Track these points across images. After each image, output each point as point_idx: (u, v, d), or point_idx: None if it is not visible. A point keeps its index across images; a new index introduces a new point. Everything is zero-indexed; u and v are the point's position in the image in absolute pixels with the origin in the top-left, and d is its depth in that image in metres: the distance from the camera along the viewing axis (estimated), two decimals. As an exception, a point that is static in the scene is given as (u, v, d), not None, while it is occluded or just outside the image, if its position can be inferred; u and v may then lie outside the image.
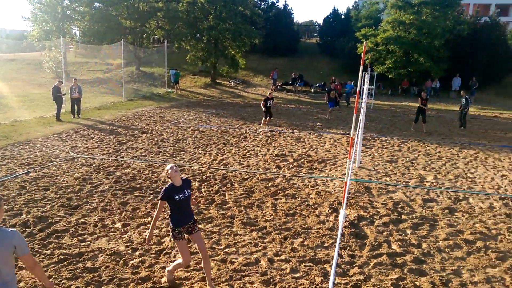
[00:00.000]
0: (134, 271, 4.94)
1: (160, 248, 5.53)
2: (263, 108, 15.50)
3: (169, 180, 4.37)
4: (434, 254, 5.58)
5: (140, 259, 5.23)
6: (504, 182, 9.07)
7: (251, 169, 9.56)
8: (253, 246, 5.63)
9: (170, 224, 4.41)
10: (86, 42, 31.04)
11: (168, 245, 5.61)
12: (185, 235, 4.47)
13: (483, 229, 6.46)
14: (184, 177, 4.53)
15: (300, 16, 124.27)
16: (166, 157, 10.47)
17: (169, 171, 4.33)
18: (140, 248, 5.52)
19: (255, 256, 5.36)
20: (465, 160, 10.96)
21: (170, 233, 4.48)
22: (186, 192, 4.37)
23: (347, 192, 7.86)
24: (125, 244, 5.62)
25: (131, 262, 5.15)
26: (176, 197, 4.28)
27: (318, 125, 15.85)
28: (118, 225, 6.26)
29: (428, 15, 27.40)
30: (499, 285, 4.88)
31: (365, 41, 4.12)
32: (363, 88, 10.76)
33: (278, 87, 29.50)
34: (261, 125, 15.58)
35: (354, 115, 4.87)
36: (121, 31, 30.69)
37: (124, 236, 5.89)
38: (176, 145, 11.93)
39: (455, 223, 6.67)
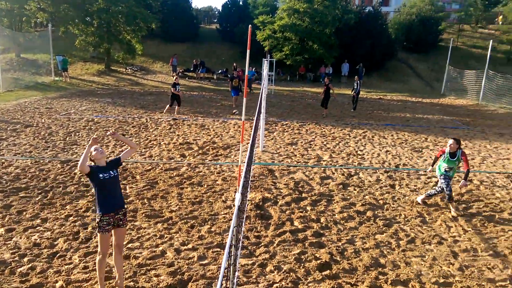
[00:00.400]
0: (24, 279, 4.43)
1: (53, 252, 5.02)
2: (174, 93, 14.78)
3: (93, 162, 4.11)
4: (331, 227, 6.02)
5: (30, 265, 4.70)
6: (388, 157, 10.15)
7: (153, 159, 9.20)
8: (159, 238, 5.45)
9: (98, 211, 4.02)
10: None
11: (62, 247, 5.12)
12: (112, 230, 4.11)
13: (372, 200, 7.17)
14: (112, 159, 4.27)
15: (198, 1, 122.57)
16: (56, 152, 9.51)
17: (93, 153, 4.05)
18: (29, 253, 4.95)
19: (161, 248, 5.19)
20: (355, 139, 12.00)
21: (96, 224, 4.07)
22: (112, 173, 4.07)
23: (252, 176, 8.07)
24: (11, 251, 4.99)
25: (19, 270, 4.59)
26: (101, 175, 3.97)
27: (235, 112, 15.87)
28: (1, 230, 5.52)
29: (320, 4, 29.05)
30: (386, 248, 5.46)
31: (250, 28, 4.13)
32: (262, 74, 11.05)
33: (180, 74, 28.79)
34: (164, 112, 15.05)
35: (244, 99, 4.92)
36: (-6, 14, 26.79)
37: (9, 242, 5.22)
38: (67, 138, 10.91)
39: (348, 197, 7.27)
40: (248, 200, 6.74)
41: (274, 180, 7.98)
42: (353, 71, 29.92)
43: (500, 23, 41.89)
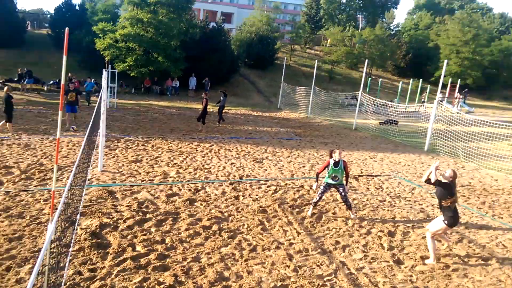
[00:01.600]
0: None
1: None
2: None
3: None
4: (177, 246, 5.87)
5: None
6: (233, 169, 10.57)
7: (-42, 189, 7.49)
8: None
9: None
10: None
11: None
12: None
13: (218, 213, 7.30)
14: None
15: (26, 3, 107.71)
16: None
17: None
18: None
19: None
20: (202, 153, 12.16)
21: None
22: None
23: (88, 201, 7.30)
24: None
25: None
26: None
27: (72, 128, 14.13)
28: None
29: (165, 15, 28.82)
30: (230, 260, 5.59)
31: (67, 31, 3.71)
32: (102, 86, 10.21)
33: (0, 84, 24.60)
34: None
35: (60, 113, 4.45)
36: None
37: None
38: None
39: (195, 212, 7.25)
40: (83, 228, 6.06)
41: (114, 203, 7.39)
42: (201, 85, 30.61)
43: (329, 45, 48.83)
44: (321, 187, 7.61)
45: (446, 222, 5.83)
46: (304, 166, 11.47)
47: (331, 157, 7.54)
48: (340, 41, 46.07)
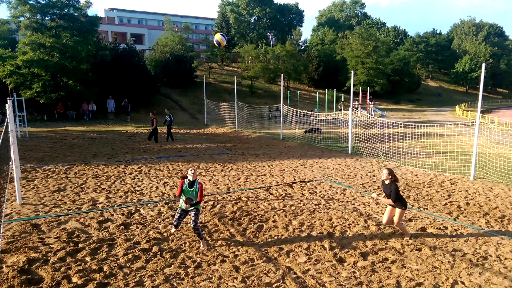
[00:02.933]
0: None
1: None
2: None
3: None
4: (117, 273, 5.54)
5: None
6: (167, 188, 10.28)
7: None
8: None
9: None
10: None
11: None
12: None
13: (157, 234, 7.04)
14: None
15: None
16: None
17: None
18: None
19: None
20: (132, 175, 11.66)
21: None
22: None
23: (10, 237, 6.60)
24: None
25: None
26: None
27: None
28: None
29: (69, 39, 27.33)
30: (176, 280, 5.42)
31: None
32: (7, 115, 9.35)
33: None
34: None
35: None
36: None
37: None
38: None
39: (132, 236, 6.91)
40: (9, 266, 5.45)
41: (41, 236, 6.76)
42: (121, 107, 29.45)
43: (249, 61, 50.21)
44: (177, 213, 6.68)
45: (404, 208, 6.86)
46: (239, 179, 11.57)
47: (184, 177, 6.53)
48: (255, 57, 47.89)
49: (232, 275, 5.60)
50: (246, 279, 5.51)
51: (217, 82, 44.67)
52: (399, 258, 6.32)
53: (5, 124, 11.37)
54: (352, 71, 19.00)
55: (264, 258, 6.19)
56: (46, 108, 27.47)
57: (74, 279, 5.29)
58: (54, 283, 5.14)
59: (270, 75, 46.58)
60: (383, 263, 6.13)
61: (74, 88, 27.05)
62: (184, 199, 6.44)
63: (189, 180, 6.43)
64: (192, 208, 6.52)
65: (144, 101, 32.58)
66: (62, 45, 26.63)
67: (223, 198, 9.57)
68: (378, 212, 8.65)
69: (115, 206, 8.66)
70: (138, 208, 8.53)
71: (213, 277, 5.52)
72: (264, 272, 5.74)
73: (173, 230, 7.08)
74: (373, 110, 37.33)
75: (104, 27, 48.61)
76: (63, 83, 27.33)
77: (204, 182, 11.01)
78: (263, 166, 13.62)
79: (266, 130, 24.83)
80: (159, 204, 8.92)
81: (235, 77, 29.36)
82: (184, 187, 6.44)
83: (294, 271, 5.82)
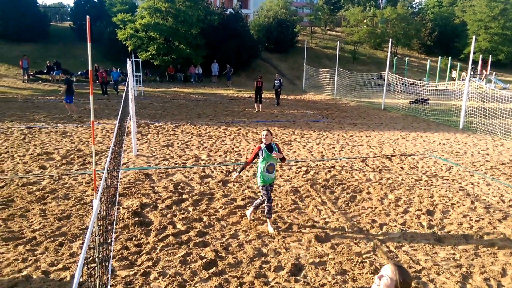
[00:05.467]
0: None
1: None
2: None
3: None
4: (215, 224, 6.01)
5: None
6: (262, 151, 10.61)
7: (6, 174, 7.89)
8: (21, 263, 4.68)
9: None
10: None
11: None
12: None
13: (251, 194, 7.39)
14: None
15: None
16: None
17: None
18: None
19: (24, 273, 4.46)
20: (231, 136, 12.27)
21: None
22: None
23: (127, 183, 7.55)
24: None
25: None
26: None
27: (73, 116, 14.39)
28: None
29: (181, 4, 28.88)
30: (267, 238, 5.68)
31: (88, 19, 3.78)
32: (127, 75, 10.42)
33: (31, 76, 25.45)
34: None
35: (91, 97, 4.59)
36: None
37: None
38: None
39: (229, 193, 7.37)
40: (125, 208, 6.29)
41: (152, 184, 7.61)
42: (223, 71, 30.66)
43: (351, 25, 47.52)
44: (263, 190, 5.90)
45: None
46: (334, 147, 11.40)
47: (261, 141, 5.82)
48: (361, 21, 44.98)
49: (321, 241, 5.66)
50: (335, 246, 5.53)
51: (318, 48, 43.51)
52: (508, 245, 5.72)
53: (125, 83, 12.73)
54: (474, 37, 16.84)
55: (355, 228, 6.12)
56: (159, 70, 29.94)
57: (178, 226, 5.89)
58: (161, 227, 5.80)
59: (376, 40, 43.72)
60: (488, 249, 5.60)
61: (184, 51, 28.82)
62: (268, 164, 5.77)
63: (265, 144, 5.77)
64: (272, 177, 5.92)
65: (245, 65, 33.39)
66: (175, 9, 28.36)
67: (317, 165, 9.57)
68: (488, 194, 7.84)
69: (215, 164, 9.27)
70: (235, 168, 9.01)
71: (303, 240, 5.65)
72: (355, 241, 5.69)
73: (249, 213, 6.32)
74: (494, 82, 32.98)
75: (213, -8, 50.23)
76: (175, 46, 29.27)
77: (298, 148, 11.10)
78: (360, 136, 13.17)
79: (367, 99, 23.73)
80: (254, 165, 9.28)
81: (338, 42, 28.26)
82: (264, 154, 5.72)
83: (387, 244, 5.65)
